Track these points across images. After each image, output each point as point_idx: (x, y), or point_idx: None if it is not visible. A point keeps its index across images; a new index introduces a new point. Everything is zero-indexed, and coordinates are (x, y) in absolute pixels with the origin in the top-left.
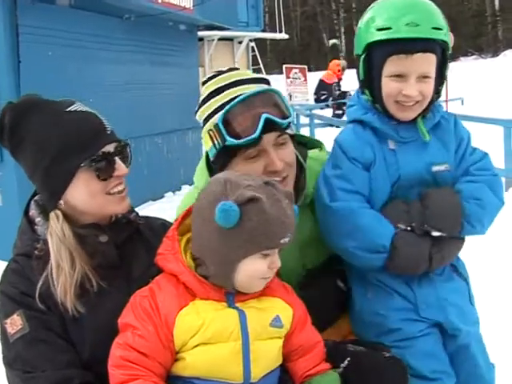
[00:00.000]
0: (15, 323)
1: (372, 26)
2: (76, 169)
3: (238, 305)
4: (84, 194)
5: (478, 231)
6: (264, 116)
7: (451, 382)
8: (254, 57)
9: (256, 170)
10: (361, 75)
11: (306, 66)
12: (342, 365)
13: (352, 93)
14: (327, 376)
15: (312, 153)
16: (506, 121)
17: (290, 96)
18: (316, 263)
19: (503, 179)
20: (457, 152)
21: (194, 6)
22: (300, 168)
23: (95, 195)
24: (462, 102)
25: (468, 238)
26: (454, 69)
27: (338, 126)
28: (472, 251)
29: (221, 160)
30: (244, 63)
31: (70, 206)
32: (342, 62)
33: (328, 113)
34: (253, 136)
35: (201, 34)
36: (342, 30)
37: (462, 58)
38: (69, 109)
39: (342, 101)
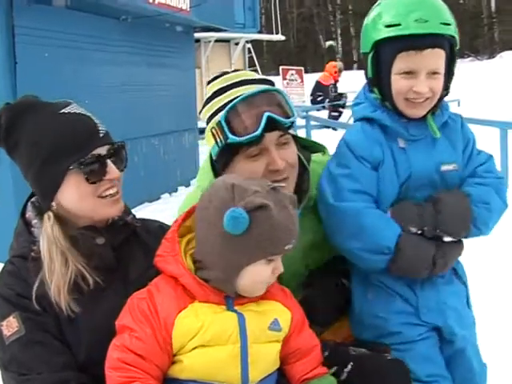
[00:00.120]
0: (11, 325)
1: (380, 22)
2: (65, 171)
3: (236, 308)
4: (74, 196)
5: (482, 234)
6: (266, 114)
7: None
8: (251, 58)
9: (257, 168)
10: (369, 73)
11: (302, 68)
12: (346, 369)
13: (348, 95)
14: (324, 380)
15: (315, 156)
16: (503, 122)
17: None
18: (319, 265)
19: None
20: (464, 152)
21: (190, 7)
22: (304, 170)
23: (85, 198)
24: (459, 103)
25: (466, 239)
26: None
27: (334, 128)
28: (470, 252)
29: (223, 158)
30: (240, 65)
31: (64, 208)
32: (339, 64)
33: (324, 114)
34: (255, 134)
35: (197, 35)
36: (339, 31)
37: (458, 60)
38: (63, 110)
39: (339, 102)
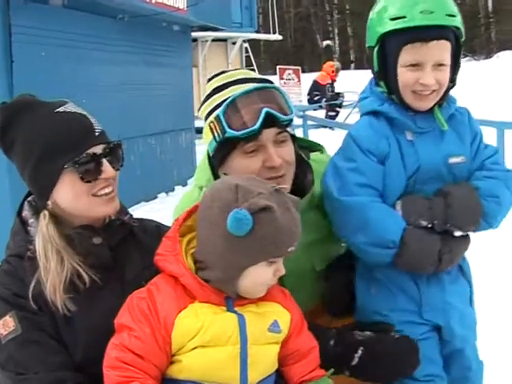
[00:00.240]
0: (7, 324)
1: (385, 16)
2: (60, 170)
3: (236, 309)
4: (69, 195)
5: (490, 227)
6: (265, 110)
7: None
8: (248, 58)
9: (254, 164)
10: (375, 67)
11: (299, 67)
12: (356, 355)
13: (345, 94)
14: (322, 382)
15: (314, 155)
16: (500, 123)
17: None
18: (325, 261)
19: None
20: (472, 145)
21: (187, 6)
22: (306, 167)
23: (80, 197)
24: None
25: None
26: None
27: (331, 128)
28: (473, 248)
29: (220, 154)
30: (238, 64)
31: (59, 207)
32: (336, 64)
33: (321, 114)
34: (253, 128)
35: (194, 34)
36: (336, 31)
37: None
38: (59, 109)
39: (336, 102)
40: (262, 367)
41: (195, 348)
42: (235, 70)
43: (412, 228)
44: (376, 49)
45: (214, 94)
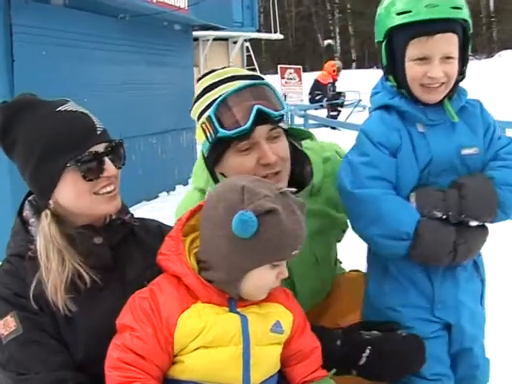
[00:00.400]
0: (8, 324)
1: (392, 10)
2: (62, 169)
3: (239, 310)
4: (71, 194)
5: (508, 217)
6: (256, 107)
7: None
8: (249, 57)
9: (248, 163)
10: (383, 61)
11: (300, 67)
12: (364, 354)
13: (346, 94)
14: (324, 382)
15: (305, 143)
16: (501, 122)
17: (285, 96)
18: (326, 249)
19: None
20: (485, 136)
21: (188, 6)
22: (303, 158)
23: (82, 195)
24: None
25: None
26: None
27: (333, 128)
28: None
29: (214, 154)
30: (239, 63)
31: (61, 206)
32: (338, 63)
33: (322, 113)
34: (245, 127)
35: (196, 34)
36: (337, 30)
37: None
38: (59, 108)
39: (337, 101)
40: (264, 368)
41: (197, 348)
42: (223, 68)
43: (426, 219)
44: (384, 43)
45: (204, 93)
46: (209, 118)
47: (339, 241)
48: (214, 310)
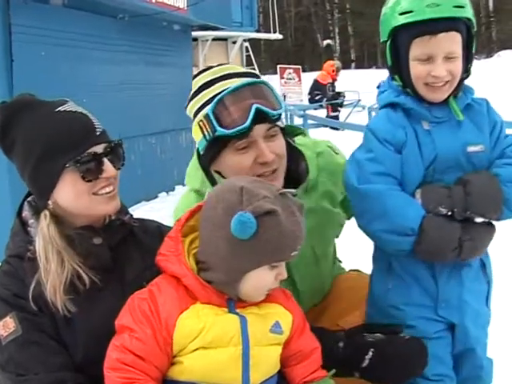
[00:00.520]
0: (8, 325)
1: (396, 10)
2: (61, 169)
3: (238, 310)
4: (70, 194)
5: None
6: (255, 106)
7: None
8: (248, 57)
9: (246, 161)
10: (388, 61)
11: (300, 67)
12: (367, 356)
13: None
14: (323, 383)
15: (298, 140)
16: None
17: (284, 96)
18: (324, 245)
19: None
20: (491, 134)
21: (188, 6)
22: (298, 154)
23: (81, 196)
24: None
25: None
26: None
27: (333, 128)
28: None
29: (211, 152)
30: (238, 63)
31: (60, 206)
32: (337, 63)
33: (322, 113)
34: (244, 125)
35: (195, 34)
36: (336, 30)
37: None
38: (59, 109)
39: (336, 101)
40: (263, 368)
41: (197, 349)
42: (219, 65)
43: (431, 215)
44: (388, 43)
45: (201, 90)
46: (207, 116)
47: (337, 236)
48: (213, 310)
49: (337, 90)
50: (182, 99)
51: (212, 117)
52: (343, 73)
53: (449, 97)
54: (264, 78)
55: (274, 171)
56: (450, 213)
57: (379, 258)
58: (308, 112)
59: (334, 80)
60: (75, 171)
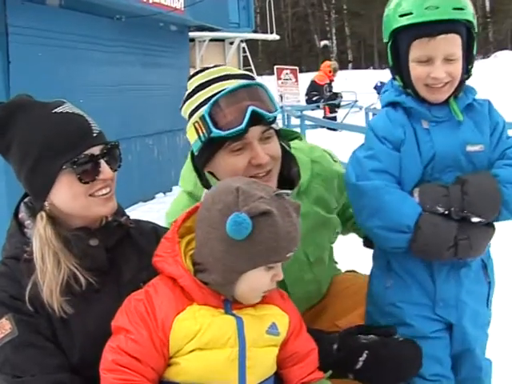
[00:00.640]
0: (4, 327)
1: (397, 12)
2: (58, 171)
3: (235, 311)
4: (67, 196)
5: None
6: (251, 108)
7: None
8: (245, 58)
9: (240, 163)
10: (389, 62)
11: (297, 67)
12: (361, 358)
13: (343, 94)
14: None
15: (294, 143)
16: None
17: (281, 97)
18: (317, 251)
19: None
20: (493, 135)
21: (184, 6)
22: (290, 158)
23: (77, 197)
24: None
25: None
26: None
27: (330, 128)
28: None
29: (205, 153)
30: (235, 64)
31: (57, 208)
32: (333, 64)
33: (319, 114)
34: (239, 127)
35: (192, 34)
36: (333, 31)
37: None
38: (56, 110)
39: (333, 102)
40: (260, 370)
41: (193, 350)
42: (215, 66)
43: (428, 214)
44: (389, 44)
45: (197, 92)
46: (202, 118)
47: (332, 242)
48: (209, 311)
49: (334, 90)
50: (179, 100)
51: (208, 118)
52: (340, 73)
53: (449, 97)
54: (261, 78)
55: (268, 172)
56: (446, 212)
57: (379, 256)
58: (305, 113)
59: (332, 80)
60: (72, 173)
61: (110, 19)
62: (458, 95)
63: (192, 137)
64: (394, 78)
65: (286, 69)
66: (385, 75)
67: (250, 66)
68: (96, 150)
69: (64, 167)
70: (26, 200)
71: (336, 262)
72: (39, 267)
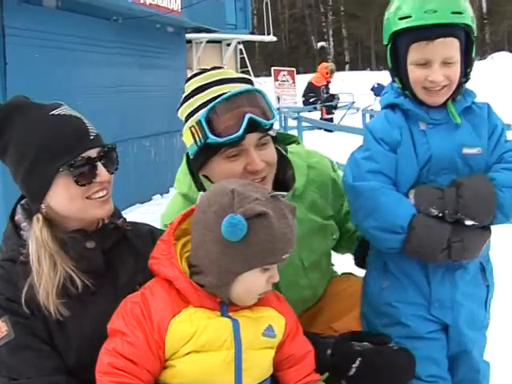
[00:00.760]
0: (0, 329)
1: (397, 15)
2: (54, 173)
3: (231, 314)
4: (63, 198)
5: (508, 220)
6: (248, 116)
7: None
8: (243, 59)
9: (236, 169)
10: (389, 64)
11: (294, 69)
12: (354, 365)
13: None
14: None
15: (291, 147)
16: None
17: (279, 98)
18: (312, 256)
19: None
20: (491, 138)
21: (181, 8)
22: (286, 162)
23: (74, 200)
24: None
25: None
26: None
27: (327, 130)
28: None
29: (201, 158)
30: (232, 65)
31: (53, 210)
32: (330, 65)
33: (316, 115)
34: (236, 135)
35: (189, 36)
36: (331, 32)
37: None
38: (53, 112)
39: (330, 103)
40: (256, 372)
41: (189, 353)
42: (213, 68)
43: (422, 215)
44: (389, 47)
45: (194, 95)
46: (199, 123)
47: (329, 248)
48: (205, 314)
49: (331, 92)
50: (176, 102)
51: (204, 124)
52: (337, 75)
53: (447, 100)
54: (258, 80)
55: (263, 179)
56: (440, 214)
57: (374, 257)
58: (302, 114)
59: (328, 82)
60: (69, 175)
61: (107, 21)
62: (456, 98)
63: (188, 140)
64: (393, 81)
65: (284, 70)
66: (382, 77)
67: (247, 67)
68: (93, 153)
69: (61, 169)
70: (22, 202)
71: (332, 265)
72: (35, 269)
